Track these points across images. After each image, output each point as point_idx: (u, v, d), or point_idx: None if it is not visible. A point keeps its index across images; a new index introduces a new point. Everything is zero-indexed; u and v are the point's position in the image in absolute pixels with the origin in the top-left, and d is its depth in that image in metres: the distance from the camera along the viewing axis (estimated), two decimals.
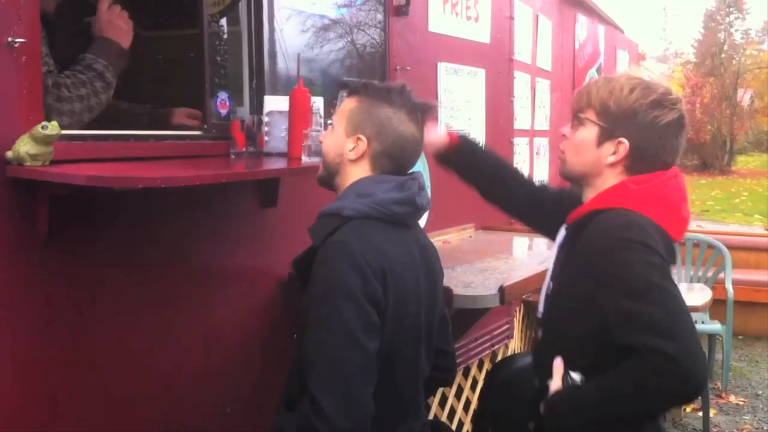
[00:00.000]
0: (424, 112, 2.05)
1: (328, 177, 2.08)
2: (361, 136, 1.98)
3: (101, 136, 2.20)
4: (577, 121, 2.00)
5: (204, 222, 2.55)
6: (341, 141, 2.01)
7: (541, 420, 1.92)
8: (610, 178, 1.95)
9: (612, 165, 1.94)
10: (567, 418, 1.82)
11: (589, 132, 1.96)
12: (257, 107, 2.77)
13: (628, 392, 1.70)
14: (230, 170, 2.35)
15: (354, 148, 1.99)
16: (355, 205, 1.93)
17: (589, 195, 1.99)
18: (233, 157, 2.52)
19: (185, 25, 3.51)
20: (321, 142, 2.12)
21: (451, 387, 3.84)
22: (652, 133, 1.91)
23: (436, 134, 2.38)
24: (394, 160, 2.00)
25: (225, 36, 3.20)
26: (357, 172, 2.00)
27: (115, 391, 2.27)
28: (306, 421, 1.76)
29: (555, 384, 1.86)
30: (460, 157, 2.43)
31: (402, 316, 1.91)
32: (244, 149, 2.56)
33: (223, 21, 3.19)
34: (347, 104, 2.04)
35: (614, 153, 1.93)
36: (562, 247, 2.06)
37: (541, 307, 2.09)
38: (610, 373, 1.74)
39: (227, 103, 2.66)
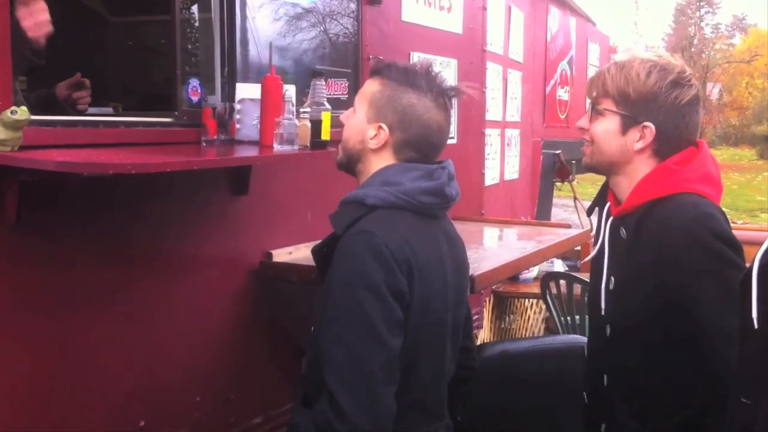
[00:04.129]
0: (451, 96, 1.91)
1: (348, 162, 1.94)
2: (383, 125, 1.85)
3: (71, 122, 2.19)
4: (595, 112, 1.98)
5: (175, 209, 2.54)
6: (362, 127, 1.88)
7: (613, 420, 1.95)
8: (640, 164, 1.94)
9: (640, 151, 1.93)
10: None
11: (611, 122, 1.95)
12: (229, 95, 2.75)
13: None
14: (201, 157, 2.34)
15: (375, 136, 1.86)
16: (380, 194, 1.80)
17: (621, 183, 1.98)
18: (204, 144, 2.51)
19: (156, 11, 3.48)
20: (342, 123, 1.98)
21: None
22: (676, 112, 1.91)
23: None
24: (418, 149, 1.87)
25: (196, 23, 3.18)
26: (380, 162, 1.87)
27: (83, 378, 2.26)
28: (324, 419, 1.66)
29: None
30: None
31: (428, 312, 1.79)
32: (215, 137, 2.54)
33: (194, 8, 3.16)
34: (369, 86, 1.91)
35: (641, 138, 1.92)
36: (616, 243, 1.99)
37: (602, 304, 2.00)
38: None
39: (198, 90, 2.64)
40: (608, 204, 2.03)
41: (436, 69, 1.91)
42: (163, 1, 2.63)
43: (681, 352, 1.85)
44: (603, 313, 1.99)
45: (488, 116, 5.35)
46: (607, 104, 1.95)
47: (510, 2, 5.80)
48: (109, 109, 3.06)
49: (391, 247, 1.71)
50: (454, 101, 1.94)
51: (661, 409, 1.90)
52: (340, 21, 3.52)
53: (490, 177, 5.51)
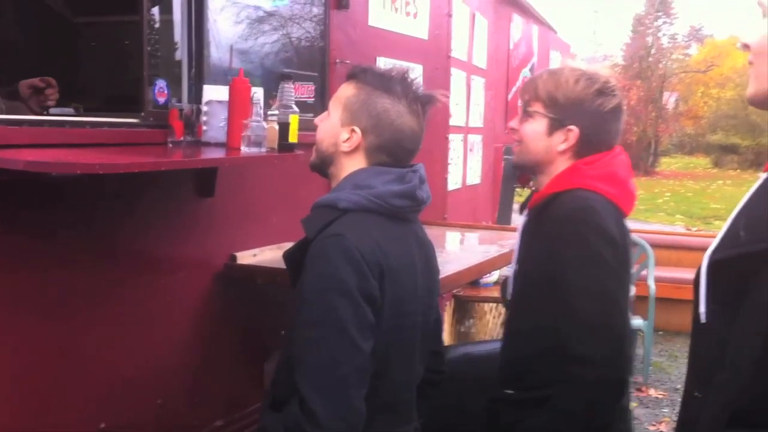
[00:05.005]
0: (425, 103, 1.91)
1: (321, 165, 1.95)
2: (356, 128, 1.86)
3: (37, 122, 2.17)
4: (526, 114, 2.10)
5: (140, 211, 2.52)
6: (336, 130, 1.89)
7: (499, 400, 2.10)
8: (561, 164, 2.07)
9: (563, 152, 2.06)
10: None
11: (539, 123, 2.07)
12: (195, 96, 2.75)
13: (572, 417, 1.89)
14: (168, 158, 2.34)
15: (348, 139, 1.87)
16: (352, 197, 1.81)
17: (544, 182, 2.10)
18: (171, 145, 2.50)
19: (120, 11, 3.46)
20: (316, 126, 1.98)
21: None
22: (599, 119, 2.05)
23: None
24: (391, 153, 1.88)
25: (157, 24, 3.17)
26: (352, 165, 1.88)
27: (43, 379, 2.24)
28: (294, 422, 1.66)
29: None
30: None
31: (399, 315, 1.81)
32: (182, 138, 2.54)
33: (155, 9, 3.15)
34: (345, 90, 1.92)
35: (565, 140, 2.05)
36: (525, 231, 2.15)
37: (510, 290, 2.17)
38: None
39: (165, 91, 2.63)
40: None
41: (412, 75, 1.92)
42: (126, 2, 2.61)
43: (556, 329, 1.95)
44: (510, 298, 2.15)
45: (452, 122, 5.40)
46: (537, 107, 2.08)
47: (474, 10, 5.86)
48: (71, 110, 3.03)
49: (362, 250, 1.72)
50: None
51: (537, 380, 2.02)
52: (308, 25, 3.53)
53: (453, 182, 5.57)
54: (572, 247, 1.91)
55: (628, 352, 1.93)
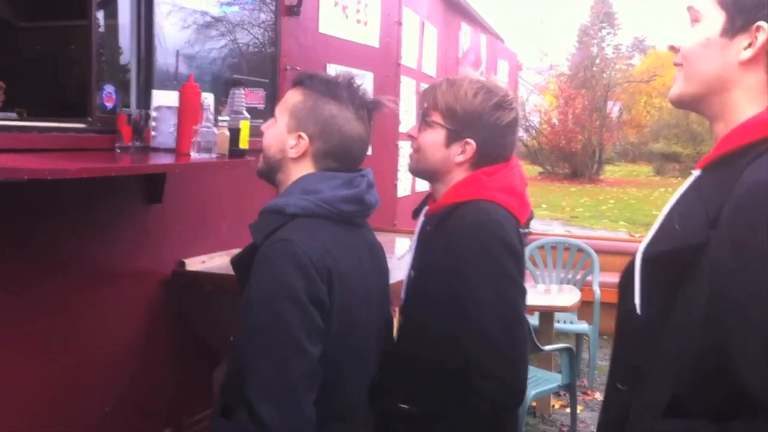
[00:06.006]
0: (371, 109, 1.92)
1: (268, 172, 1.93)
2: (303, 135, 1.85)
3: None
4: (425, 123, 2.09)
5: (87, 217, 2.50)
6: (283, 137, 1.88)
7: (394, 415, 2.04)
8: (459, 175, 2.06)
9: (460, 164, 2.05)
10: None
11: (437, 134, 2.06)
12: (144, 101, 2.73)
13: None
14: (118, 164, 2.31)
15: (295, 146, 1.86)
16: (300, 203, 1.80)
17: (441, 190, 2.09)
18: (119, 151, 2.48)
19: (65, 16, 3.40)
20: (262, 133, 1.96)
21: None
22: (496, 132, 2.04)
23: None
24: (338, 159, 1.88)
25: (101, 29, 3.14)
26: (299, 171, 1.87)
27: None
28: (244, 430, 1.65)
29: None
30: None
31: (349, 318, 1.80)
32: (130, 143, 2.52)
33: (102, 14, 3.11)
34: (291, 96, 1.91)
35: (462, 153, 2.04)
36: (422, 238, 2.13)
37: (403, 295, 2.13)
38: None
39: (113, 96, 2.61)
40: (426, 207, 2.15)
41: (358, 81, 1.93)
42: (73, 7, 2.58)
43: (457, 340, 1.93)
44: (402, 303, 2.11)
45: (402, 129, 5.43)
46: (436, 117, 2.06)
47: (424, 18, 5.90)
48: (13, 114, 2.97)
49: (310, 255, 1.72)
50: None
51: (435, 394, 1.99)
52: (258, 31, 3.53)
53: (403, 188, 5.60)
54: (478, 261, 1.90)
55: (527, 361, 1.93)
